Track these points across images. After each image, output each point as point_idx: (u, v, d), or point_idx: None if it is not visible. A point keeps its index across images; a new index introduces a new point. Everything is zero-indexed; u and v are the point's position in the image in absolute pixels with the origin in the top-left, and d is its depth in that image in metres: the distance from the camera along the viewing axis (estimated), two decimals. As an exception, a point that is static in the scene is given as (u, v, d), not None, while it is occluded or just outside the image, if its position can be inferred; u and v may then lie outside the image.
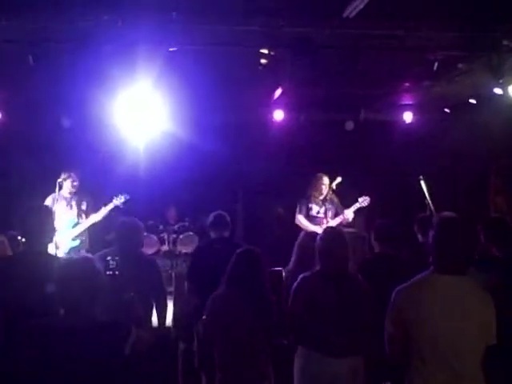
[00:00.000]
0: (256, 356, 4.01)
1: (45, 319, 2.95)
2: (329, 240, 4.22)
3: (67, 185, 7.18)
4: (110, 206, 7.14)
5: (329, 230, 4.45)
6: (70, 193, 7.24)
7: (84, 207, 7.29)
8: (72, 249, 7.07)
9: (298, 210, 7.65)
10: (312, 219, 7.55)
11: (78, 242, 7.15)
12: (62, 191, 7.14)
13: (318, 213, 7.57)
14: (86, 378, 2.80)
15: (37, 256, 3.73)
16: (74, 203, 7.26)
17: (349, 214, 7.51)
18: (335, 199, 7.64)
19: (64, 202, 7.20)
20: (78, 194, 7.32)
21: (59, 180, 7.08)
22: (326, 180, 7.58)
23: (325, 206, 7.54)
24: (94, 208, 7.25)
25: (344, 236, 4.33)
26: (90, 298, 2.94)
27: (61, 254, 6.81)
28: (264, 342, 4.06)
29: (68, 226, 7.11)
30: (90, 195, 7.42)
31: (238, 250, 4.22)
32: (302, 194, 7.74)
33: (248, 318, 3.98)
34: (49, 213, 4.06)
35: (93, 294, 2.95)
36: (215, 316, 4.07)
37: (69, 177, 7.19)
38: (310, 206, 7.60)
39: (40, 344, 2.83)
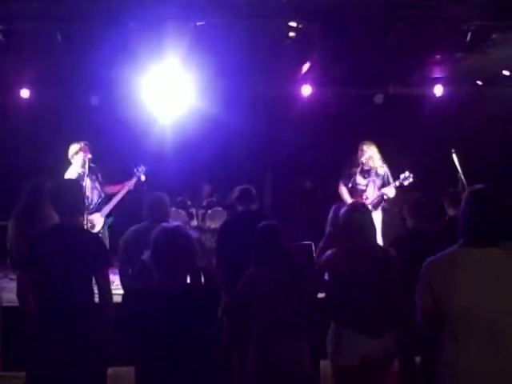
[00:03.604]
0: (293, 330, 4.01)
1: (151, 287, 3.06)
2: (351, 218, 4.15)
3: (80, 158, 6.81)
4: (135, 178, 7.04)
5: (349, 208, 4.34)
6: (84, 166, 6.78)
7: (101, 179, 7.03)
8: (108, 227, 6.88)
9: (341, 180, 7.32)
10: (354, 190, 7.18)
11: (112, 219, 6.96)
12: (79, 165, 6.80)
13: (360, 184, 7.20)
14: (186, 340, 2.91)
15: (75, 231, 3.78)
16: (94, 177, 6.94)
17: (389, 191, 7.05)
18: (381, 171, 7.21)
19: (87, 178, 6.72)
20: (90, 167, 6.88)
21: (73, 153, 6.79)
22: (366, 148, 7.21)
23: (369, 177, 7.19)
24: (105, 179, 7.01)
25: (367, 211, 4.31)
26: (185, 264, 3.02)
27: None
28: (300, 313, 4.06)
29: (97, 203, 6.84)
30: (97, 167, 7.05)
31: (257, 228, 4.19)
32: (345, 164, 7.47)
33: (282, 290, 3.98)
34: (81, 188, 4.09)
35: (187, 260, 3.02)
36: (249, 296, 4.06)
37: (80, 149, 6.82)
38: (353, 176, 7.21)
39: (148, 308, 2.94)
